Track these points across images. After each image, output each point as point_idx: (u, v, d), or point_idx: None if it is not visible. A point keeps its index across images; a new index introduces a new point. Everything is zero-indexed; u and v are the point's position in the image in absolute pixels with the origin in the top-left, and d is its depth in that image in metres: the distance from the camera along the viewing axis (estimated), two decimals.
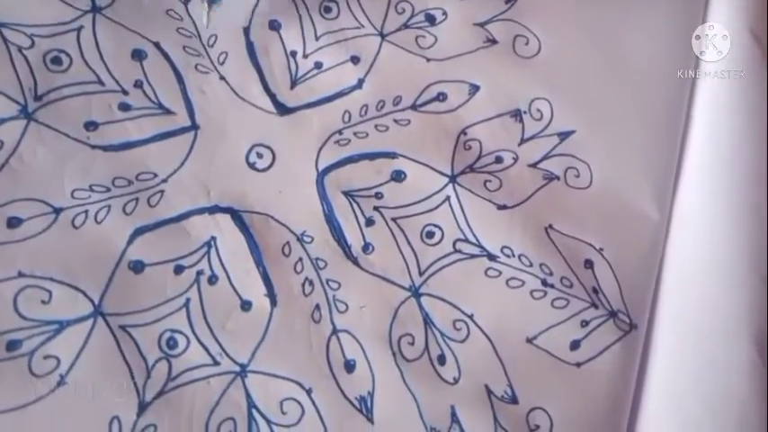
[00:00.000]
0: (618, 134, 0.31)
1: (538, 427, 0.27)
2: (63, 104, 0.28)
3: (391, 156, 0.30)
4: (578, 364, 0.28)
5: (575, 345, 0.28)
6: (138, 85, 0.29)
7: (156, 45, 0.29)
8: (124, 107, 0.28)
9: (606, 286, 0.29)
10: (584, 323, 0.28)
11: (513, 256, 0.29)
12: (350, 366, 0.27)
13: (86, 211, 0.27)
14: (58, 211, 0.27)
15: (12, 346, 0.25)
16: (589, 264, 0.29)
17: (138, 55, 0.29)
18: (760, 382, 0.27)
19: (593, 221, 0.30)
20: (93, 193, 0.27)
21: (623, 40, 0.32)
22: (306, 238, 0.28)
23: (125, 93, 0.29)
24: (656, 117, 0.32)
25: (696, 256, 0.30)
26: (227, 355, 0.27)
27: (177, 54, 0.29)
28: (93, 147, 0.28)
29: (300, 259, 0.28)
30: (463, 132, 0.30)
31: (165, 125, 0.28)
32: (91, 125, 0.28)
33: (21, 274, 0.26)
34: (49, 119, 0.27)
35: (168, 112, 0.29)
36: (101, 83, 0.28)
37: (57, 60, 0.28)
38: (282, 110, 0.30)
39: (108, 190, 0.27)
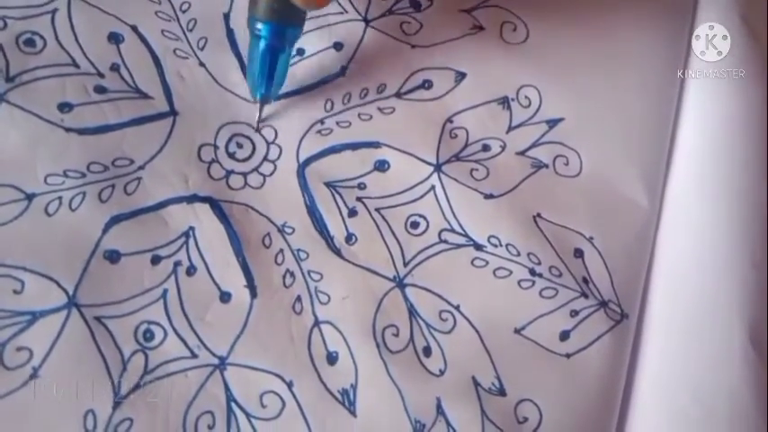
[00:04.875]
0: (607, 122, 0.32)
1: (526, 419, 0.28)
2: (36, 86, 0.28)
3: (375, 145, 0.31)
4: (568, 355, 0.29)
5: (564, 335, 0.29)
6: (114, 68, 0.29)
7: (134, 28, 0.30)
8: (100, 90, 0.29)
9: (596, 275, 0.30)
10: (574, 313, 0.29)
11: (501, 245, 0.30)
12: (332, 358, 0.28)
13: (60, 198, 0.27)
14: (30, 197, 0.27)
15: None
16: (579, 253, 0.30)
17: (114, 38, 0.30)
18: (752, 372, 0.28)
19: (582, 210, 0.31)
20: (67, 179, 0.28)
21: (612, 27, 0.33)
22: (287, 229, 0.29)
23: (101, 76, 0.29)
24: (645, 104, 0.32)
25: (688, 245, 0.30)
26: (206, 347, 0.27)
27: (155, 38, 0.30)
28: (68, 130, 0.28)
29: (281, 250, 0.29)
30: (449, 120, 0.31)
31: (143, 110, 0.29)
32: (65, 107, 0.28)
33: None
34: (21, 100, 0.28)
35: (145, 96, 0.29)
36: (76, 65, 0.29)
37: (30, 42, 0.29)
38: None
39: (83, 176, 0.28)
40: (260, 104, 0.30)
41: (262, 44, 0.28)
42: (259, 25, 0.28)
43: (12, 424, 0.25)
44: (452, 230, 0.30)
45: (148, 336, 0.27)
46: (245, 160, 0.30)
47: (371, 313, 0.28)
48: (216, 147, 0.30)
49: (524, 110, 0.32)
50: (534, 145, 0.31)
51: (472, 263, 0.29)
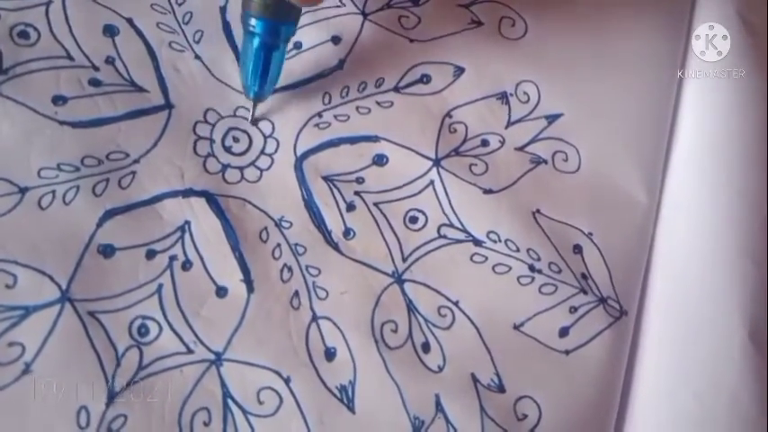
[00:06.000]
0: (606, 117, 0.32)
1: (526, 416, 0.28)
2: (30, 78, 0.28)
3: (373, 139, 0.30)
4: (567, 352, 0.29)
5: (563, 332, 0.29)
6: (109, 61, 0.29)
7: (129, 21, 0.30)
8: (95, 83, 0.29)
9: (595, 271, 0.30)
10: (573, 309, 0.29)
11: (500, 241, 0.30)
12: (330, 354, 0.27)
13: (54, 192, 0.27)
14: (23, 190, 0.27)
15: None
16: (578, 249, 0.30)
17: (109, 31, 0.30)
18: (752, 369, 0.28)
19: (581, 206, 0.31)
20: (61, 173, 0.27)
21: (611, 23, 0.33)
22: (284, 224, 0.29)
23: (96, 69, 0.29)
24: (645, 100, 0.33)
25: (687, 241, 0.30)
26: (202, 342, 0.27)
27: (151, 31, 0.30)
28: (62, 123, 0.28)
29: (279, 245, 0.29)
30: (448, 115, 0.31)
31: (138, 103, 0.29)
32: (59, 100, 0.28)
33: None
34: (14, 93, 0.28)
35: (141, 89, 0.29)
36: (70, 58, 0.29)
37: (24, 34, 0.29)
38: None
39: (77, 169, 0.28)
40: (253, 103, 0.29)
41: (256, 41, 0.28)
42: (253, 21, 0.28)
43: (3, 420, 0.25)
44: (451, 226, 0.30)
45: (143, 331, 0.27)
46: (241, 154, 0.29)
47: (370, 309, 0.28)
48: (212, 140, 0.29)
49: (523, 105, 0.32)
50: (533, 140, 0.31)
51: (471, 258, 0.29)
